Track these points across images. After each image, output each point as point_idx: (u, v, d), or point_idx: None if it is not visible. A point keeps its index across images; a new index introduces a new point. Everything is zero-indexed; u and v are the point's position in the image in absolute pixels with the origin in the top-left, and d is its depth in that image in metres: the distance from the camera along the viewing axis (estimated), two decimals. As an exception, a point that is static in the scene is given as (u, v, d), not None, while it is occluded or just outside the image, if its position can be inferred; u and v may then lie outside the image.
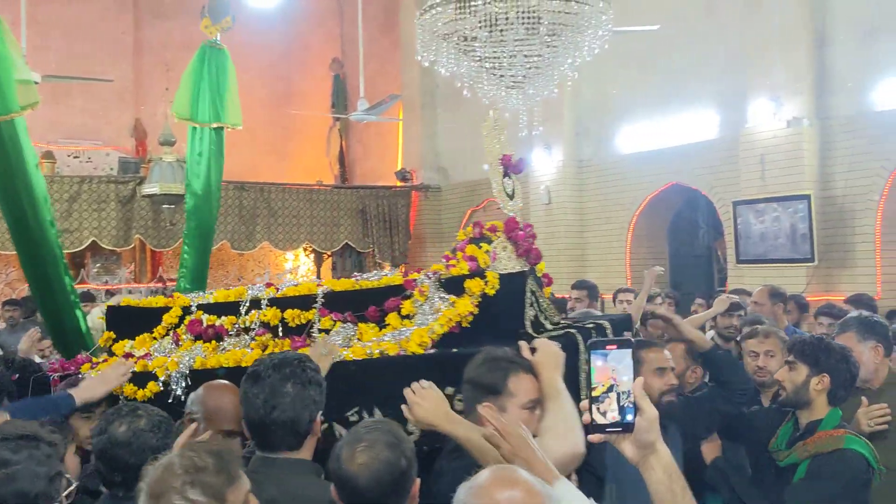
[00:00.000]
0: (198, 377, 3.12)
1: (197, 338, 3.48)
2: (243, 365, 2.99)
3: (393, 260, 13.99)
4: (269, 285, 3.61)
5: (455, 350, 2.95)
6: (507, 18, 3.96)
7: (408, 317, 3.17)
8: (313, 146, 17.06)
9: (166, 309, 3.65)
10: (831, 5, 8.57)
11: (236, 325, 3.41)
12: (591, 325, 3.23)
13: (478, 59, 4.30)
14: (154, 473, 1.67)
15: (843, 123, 8.46)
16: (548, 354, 2.57)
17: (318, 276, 14.38)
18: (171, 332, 3.58)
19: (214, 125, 4.00)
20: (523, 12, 3.97)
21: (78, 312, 4.20)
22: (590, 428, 1.61)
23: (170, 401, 3.13)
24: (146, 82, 15.27)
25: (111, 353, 3.58)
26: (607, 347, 1.59)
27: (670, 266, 11.27)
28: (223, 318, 3.46)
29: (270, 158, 15.62)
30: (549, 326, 3.25)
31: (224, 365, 3.14)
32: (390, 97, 11.59)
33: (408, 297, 3.22)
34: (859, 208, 8.34)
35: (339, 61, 17.12)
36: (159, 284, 12.64)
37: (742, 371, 3.68)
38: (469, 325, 3.05)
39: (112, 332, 3.72)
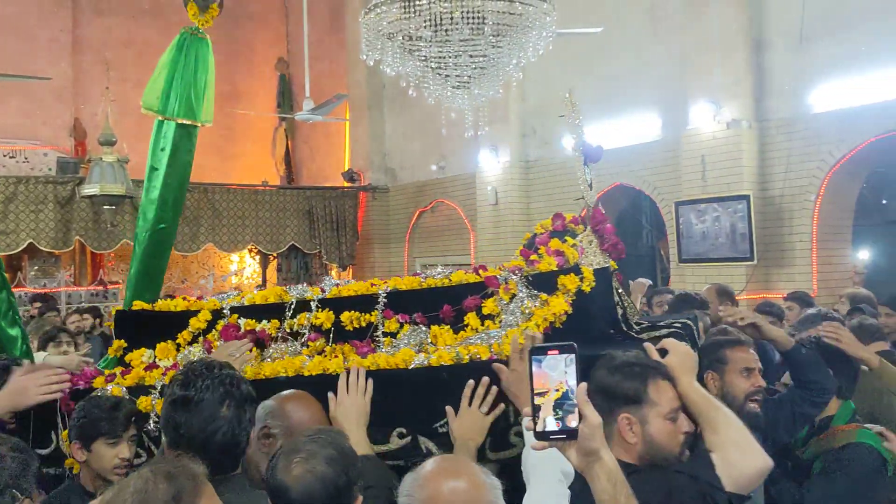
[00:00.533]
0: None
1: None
2: (306, 374, 2.73)
3: (340, 261, 13.92)
4: (310, 285, 3.29)
5: None
6: (451, 18, 3.96)
7: (489, 317, 2.89)
8: (259, 146, 16.87)
9: (190, 313, 3.24)
10: (768, 12, 8.80)
11: (281, 330, 3.05)
12: (678, 326, 2.93)
13: (423, 58, 4.30)
14: (106, 495, 1.56)
15: (780, 126, 8.70)
16: (682, 357, 2.33)
17: (264, 279, 14.23)
18: (198, 339, 3.18)
19: (183, 121, 3.61)
20: (468, 12, 3.97)
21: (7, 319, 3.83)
22: (533, 435, 1.58)
23: None
24: (85, 81, 14.92)
25: (124, 364, 3.19)
26: (549, 353, 1.57)
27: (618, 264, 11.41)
28: (263, 321, 3.09)
29: (215, 159, 15.39)
30: (636, 327, 2.97)
31: (282, 374, 2.77)
32: (336, 97, 11.52)
33: (490, 296, 2.92)
34: (796, 208, 8.58)
35: (285, 61, 16.96)
36: (100, 287, 12.35)
37: (825, 370, 3.33)
38: (561, 326, 2.76)
39: (122, 341, 3.27)
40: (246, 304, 3.20)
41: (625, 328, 2.88)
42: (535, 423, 1.56)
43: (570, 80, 10.73)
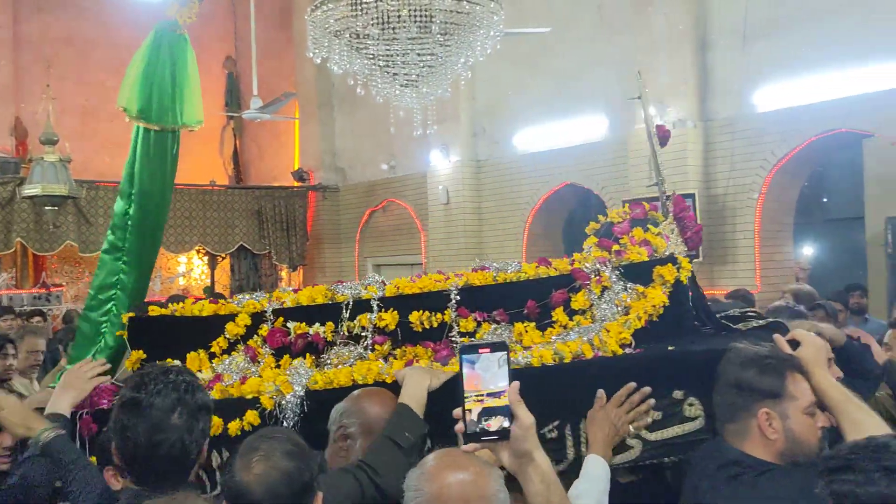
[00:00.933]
0: (317, 400, 2.51)
1: (280, 351, 2.82)
2: (389, 381, 2.48)
3: (290, 262, 13.79)
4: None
5: (671, 348, 2.52)
6: (399, 16, 3.95)
7: (577, 312, 2.71)
8: (206, 146, 16.60)
9: (223, 317, 2.87)
10: (712, 13, 8.97)
11: (338, 333, 2.76)
12: (770, 319, 2.83)
13: (371, 56, 4.28)
14: None
15: (724, 125, 8.87)
16: (816, 349, 2.25)
17: (213, 280, 14.02)
18: (237, 346, 2.86)
19: (172, 128, 3.34)
20: (416, 10, 3.96)
21: None
22: (464, 437, 1.54)
23: None
24: (26, 79, 14.51)
25: None
26: (480, 351, 1.53)
27: (565, 264, 11.53)
28: (316, 324, 2.80)
29: (161, 158, 15.10)
30: (721, 321, 2.86)
31: (359, 381, 2.51)
32: (285, 95, 11.41)
33: (578, 290, 2.73)
34: (740, 206, 8.76)
35: (233, 59, 16.75)
36: (43, 290, 12.04)
37: (871, 356, 3.24)
38: (657, 319, 2.62)
39: (141, 351, 2.88)
40: (290, 305, 2.86)
41: (711, 320, 2.81)
42: (466, 425, 1.53)
43: (519, 80, 10.83)
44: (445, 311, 2.75)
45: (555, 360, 2.43)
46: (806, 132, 8.21)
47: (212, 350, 2.86)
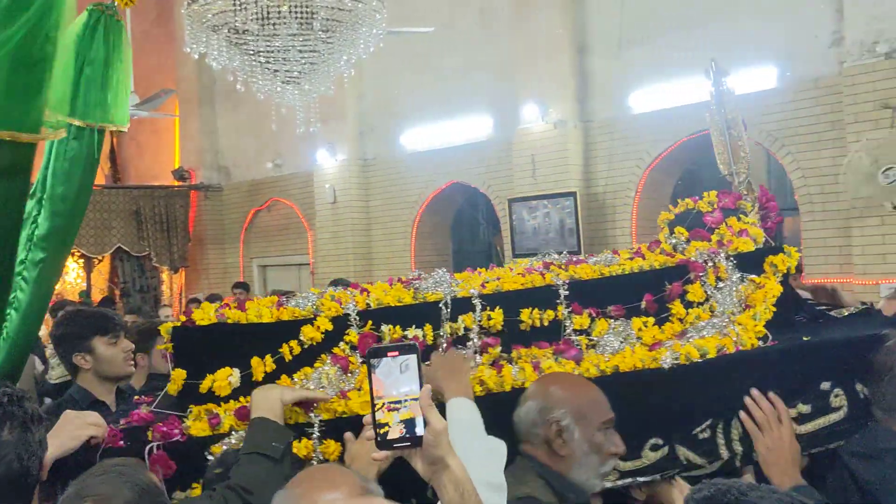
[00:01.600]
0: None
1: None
2: (525, 385, 2.23)
3: (171, 264, 13.35)
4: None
5: (805, 338, 2.43)
6: (279, 12, 3.90)
7: (693, 304, 2.58)
8: (80, 144, 15.85)
9: (287, 323, 2.40)
10: (589, 18, 9.27)
11: (443, 336, 2.45)
12: (860, 307, 2.78)
13: (251, 52, 4.21)
14: None
15: (602, 126, 9.19)
16: None
17: (89, 284, 13.41)
18: (320, 356, 2.41)
19: (102, 126, 2.73)
20: (297, 7, 3.93)
21: None
22: (376, 443, 1.46)
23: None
24: None
25: (197, 399, 2.27)
26: (389, 354, 1.45)
27: (454, 262, 11.66)
28: (412, 327, 2.45)
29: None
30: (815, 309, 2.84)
31: (494, 388, 2.26)
32: (163, 92, 11.02)
33: (692, 281, 2.61)
34: (618, 204, 9.10)
35: (108, 53, 16.04)
36: None
37: None
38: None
39: (183, 371, 2.30)
40: (374, 307, 2.47)
41: (804, 309, 2.76)
42: (377, 431, 1.44)
43: (406, 79, 10.87)
44: (558, 308, 2.51)
45: (700, 356, 2.31)
46: (678, 132, 8.60)
47: (281, 359, 2.38)
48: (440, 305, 2.45)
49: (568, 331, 2.48)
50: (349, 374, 2.33)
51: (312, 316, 2.40)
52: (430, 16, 9.97)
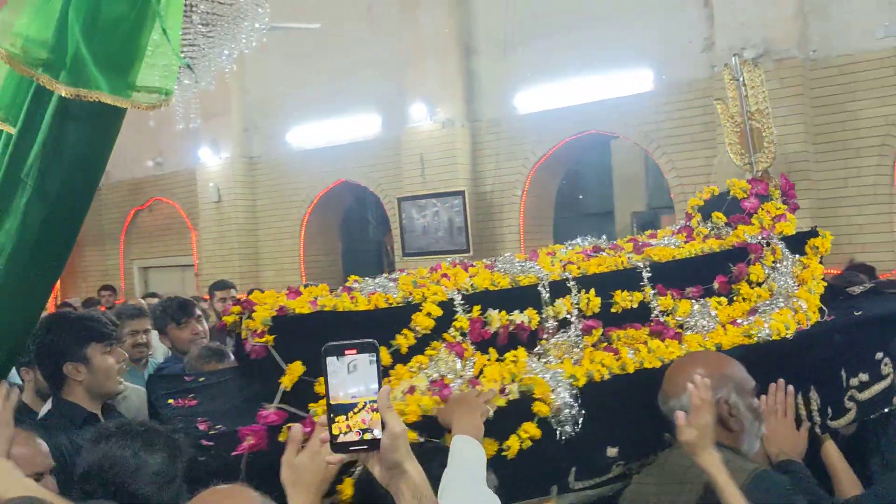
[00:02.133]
0: (594, 396, 2.20)
1: (481, 345, 2.33)
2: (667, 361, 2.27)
3: (45, 266, 12.67)
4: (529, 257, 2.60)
5: (857, 313, 2.70)
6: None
7: (754, 284, 2.74)
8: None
9: (391, 311, 2.28)
10: (475, 20, 9.40)
11: (547, 320, 2.39)
12: (869, 284, 3.05)
13: (126, 45, 4.03)
14: None
15: (489, 126, 9.33)
16: None
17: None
18: (430, 344, 2.29)
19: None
20: (174, -1, 3.79)
21: None
22: (331, 446, 1.38)
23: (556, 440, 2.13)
24: None
25: (305, 395, 2.09)
26: (347, 352, 1.37)
27: (343, 261, 11.58)
28: (515, 312, 2.36)
29: None
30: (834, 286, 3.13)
31: (631, 368, 2.27)
32: (35, 86, 10.44)
33: (752, 263, 2.76)
34: (506, 203, 9.26)
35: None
36: None
37: None
38: None
39: (301, 364, 2.12)
40: (475, 290, 2.36)
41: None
42: (332, 433, 1.36)
43: (293, 76, 10.70)
44: (645, 290, 2.57)
45: (786, 334, 2.48)
46: (561, 133, 8.83)
47: (398, 349, 2.25)
48: (539, 288, 2.41)
49: (655, 312, 2.56)
50: (466, 361, 2.24)
51: (413, 303, 2.29)
52: (317, 13, 9.85)
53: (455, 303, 2.32)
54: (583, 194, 12.57)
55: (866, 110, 7.08)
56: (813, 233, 3.03)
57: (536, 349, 2.37)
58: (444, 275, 2.45)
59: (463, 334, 2.29)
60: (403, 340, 2.22)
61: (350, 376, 1.36)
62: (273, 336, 2.13)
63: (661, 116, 8.18)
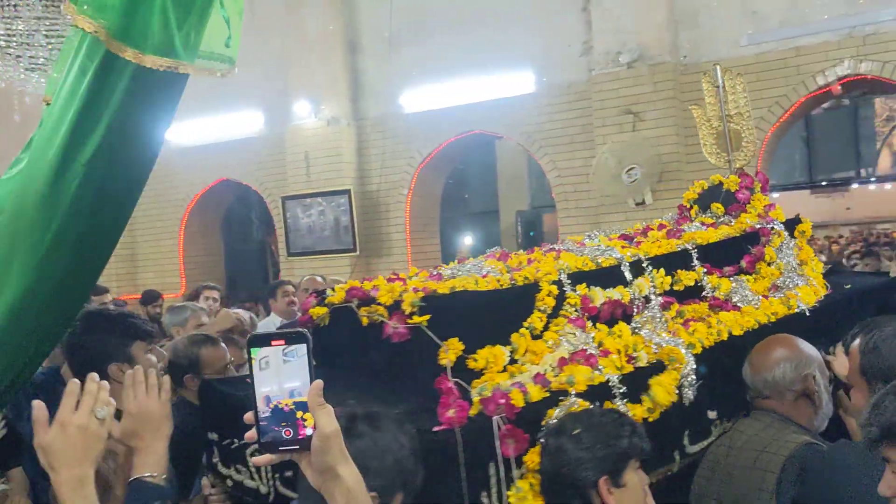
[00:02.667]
0: (707, 363, 2.39)
1: (594, 321, 2.45)
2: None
3: None
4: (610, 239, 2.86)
5: (847, 286, 3.10)
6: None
7: (767, 263, 3.08)
8: None
9: (521, 289, 2.35)
10: (360, 17, 9.37)
11: (636, 298, 2.58)
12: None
13: (-13, 35, 3.82)
14: None
15: (375, 124, 9.32)
16: None
17: None
18: (548, 325, 2.37)
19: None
20: (41, -12, 3.62)
21: None
22: (258, 445, 1.27)
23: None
24: None
25: (465, 373, 2.08)
26: (273, 343, 1.24)
27: (226, 261, 11.30)
28: (609, 290, 2.51)
29: None
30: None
31: (738, 332, 2.55)
32: None
33: (765, 244, 3.12)
34: (392, 202, 9.27)
35: None
36: None
37: None
38: None
39: (459, 341, 2.10)
40: (573, 270, 2.49)
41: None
42: (259, 431, 1.25)
43: (169, 71, 10.35)
44: (697, 269, 2.83)
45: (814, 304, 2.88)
46: (447, 132, 8.93)
47: (529, 330, 2.29)
48: (620, 269, 2.60)
49: (707, 289, 2.81)
50: (588, 334, 2.35)
51: (525, 283, 2.37)
52: (196, 6, 9.57)
53: (564, 282, 2.44)
54: (468, 193, 12.76)
55: (732, 114, 7.50)
56: (797, 220, 3.41)
57: (633, 324, 2.53)
58: (531, 260, 2.60)
59: (576, 310, 2.43)
60: (537, 320, 2.31)
61: (278, 370, 1.24)
62: (429, 316, 2.13)
63: (542, 118, 8.39)
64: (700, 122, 3.81)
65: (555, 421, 1.92)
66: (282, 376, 1.24)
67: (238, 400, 2.29)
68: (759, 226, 3.21)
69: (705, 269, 2.87)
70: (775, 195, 8.93)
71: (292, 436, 1.25)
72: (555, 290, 2.37)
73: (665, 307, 2.62)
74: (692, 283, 2.79)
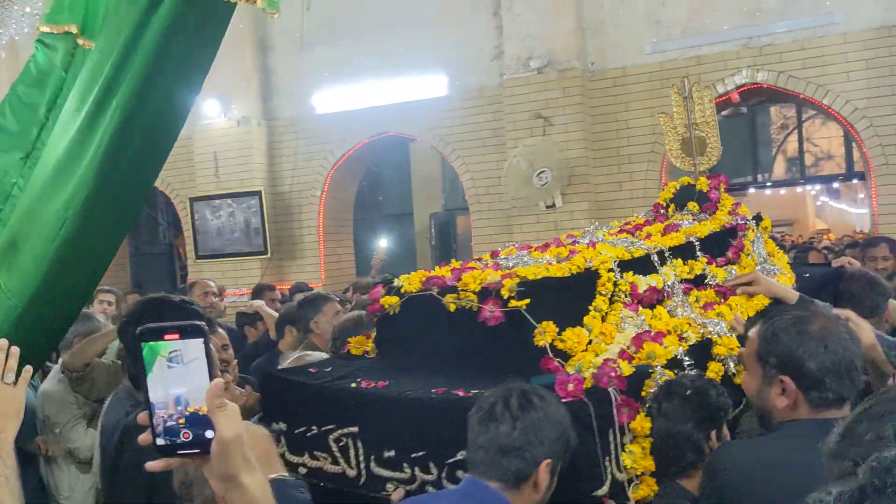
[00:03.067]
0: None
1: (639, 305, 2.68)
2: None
3: None
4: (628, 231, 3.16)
5: (806, 275, 3.42)
6: None
7: (747, 254, 3.38)
8: None
9: (584, 276, 2.51)
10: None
11: (668, 284, 2.79)
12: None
13: None
14: None
15: (287, 125, 9.21)
16: None
17: None
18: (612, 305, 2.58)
19: None
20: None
21: None
22: (156, 449, 1.15)
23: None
24: None
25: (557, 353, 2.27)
26: (167, 337, 1.11)
27: (131, 264, 10.96)
28: (648, 277, 2.74)
29: None
30: None
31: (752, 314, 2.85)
32: None
33: (742, 237, 3.44)
34: (305, 203, 9.17)
35: None
36: None
37: None
38: None
39: (552, 322, 2.31)
40: (616, 259, 2.68)
41: None
42: (154, 434, 1.13)
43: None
44: (700, 259, 3.10)
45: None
46: (361, 134, 8.89)
47: (596, 313, 2.47)
48: (650, 258, 2.83)
49: (709, 277, 3.04)
50: (640, 317, 2.54)
51: (585, 269, 2.52)
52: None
53: (615, 270, 2.63)
54: (382, 195, 12.75)
55: (637, 120, 7.74)
56: (759, 217, 3.79)
57: (668, 307, 2.73)
58: (573, 251, 2.76)
59: (626, 296, 2.62)
60: (603, 304, 2.50)
61: (173, 365, 1.11)
62: (528, 300, 2.27)
63: (455, 121, 8.46)
64: (667, 130, 4.09)
65: (657, 388, 2.12)
66: (179, 372, 1.11)
67: (305, 387, 2.39)
68: (735, 222, 3.55)
69: (707, 259, 3.16)
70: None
71: (191, 439, 1.13)
72: (613, 276, 2.57)
73: (686, 292, 2.86)
74: (700, 272, 3.05)
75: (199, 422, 1.11)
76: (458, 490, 1.87)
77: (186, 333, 1.10)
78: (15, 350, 1.84)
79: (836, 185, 19.63)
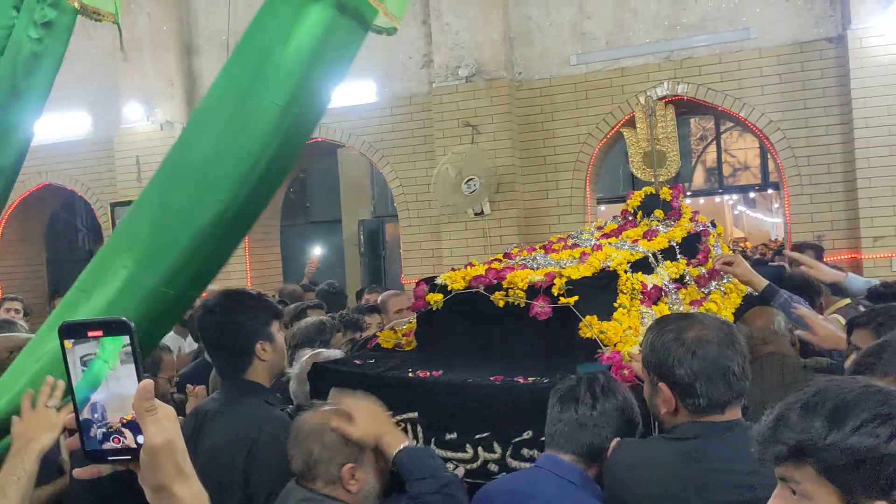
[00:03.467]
0: None
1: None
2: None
3: None
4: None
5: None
6: None
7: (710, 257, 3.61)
8: None
9: (605, 274, 2.72)
10: (196, 18, 9.08)
11: (666, 282, 3.02)
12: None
13: None
14: None
15: (213, 130, 9.04)
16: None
17: None
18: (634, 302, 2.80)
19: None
20: None
21: None
22: (84, 454, 1.06)
23: None
24: None
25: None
26: (90, 334, 1.01)
27: (48, 271, 10.60)
28: (650, 276, 2.96)
29: None
30: None
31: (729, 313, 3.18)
32: None
33: (706, 242, 3.73)
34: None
35: None
36: None
37: None
38: None
39: (595, 317, 2.56)
40: (631, 259, 2.91)
41: None
42: (82, 439, 1.04)
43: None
44: (681, 260, 3.34)
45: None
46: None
47: (624, 308, 2.67)
48: (649, 259, 3.06)
49: (687, 277, 3.24)
50: (653, 312, 2.73)
51: (603, 268, 2.71)
52: None
53: (628, 270, 2.83)
54: (310, 202, 12.63)
55: (563, 129, 7.90)
56: (713, 223, 4.11)
57: (669, 303, 2.93)
58: (585, 253, 2.99)
59: (638, 293, 2.80)
60: (626, 300, 2.68)
61: (100, 365, 1.03)
62: (577, 297, 2.47)
63: (384, 128, 8.47)
64: (630, 143, 4.41)
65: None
66: (103, 373, 1.02)
67: (363, 377, 2.52)
68: (699, 227, 3.86)
69: (686, 261, 3.42)
70: (602, 208, 9.46)
71: (121, 444, 1.04)
72: (629, 276, 2.79)
73: (677, 290, 3.08)
74: (681, 273, 3.26)
75: (128, 426, 1.03)
76: (536, 466, 2.04)
77: (111, 329, 1.01)
78: (61, 383, 2.08)
79: (752, 194, 20.34)
